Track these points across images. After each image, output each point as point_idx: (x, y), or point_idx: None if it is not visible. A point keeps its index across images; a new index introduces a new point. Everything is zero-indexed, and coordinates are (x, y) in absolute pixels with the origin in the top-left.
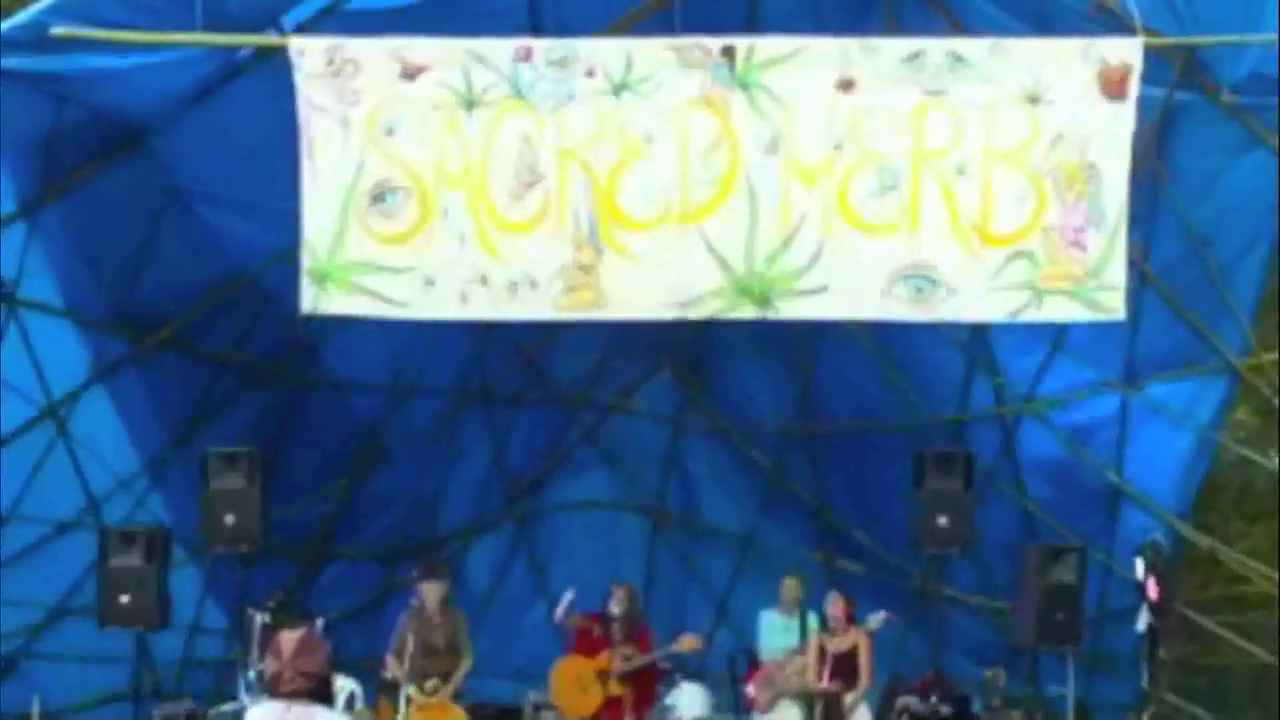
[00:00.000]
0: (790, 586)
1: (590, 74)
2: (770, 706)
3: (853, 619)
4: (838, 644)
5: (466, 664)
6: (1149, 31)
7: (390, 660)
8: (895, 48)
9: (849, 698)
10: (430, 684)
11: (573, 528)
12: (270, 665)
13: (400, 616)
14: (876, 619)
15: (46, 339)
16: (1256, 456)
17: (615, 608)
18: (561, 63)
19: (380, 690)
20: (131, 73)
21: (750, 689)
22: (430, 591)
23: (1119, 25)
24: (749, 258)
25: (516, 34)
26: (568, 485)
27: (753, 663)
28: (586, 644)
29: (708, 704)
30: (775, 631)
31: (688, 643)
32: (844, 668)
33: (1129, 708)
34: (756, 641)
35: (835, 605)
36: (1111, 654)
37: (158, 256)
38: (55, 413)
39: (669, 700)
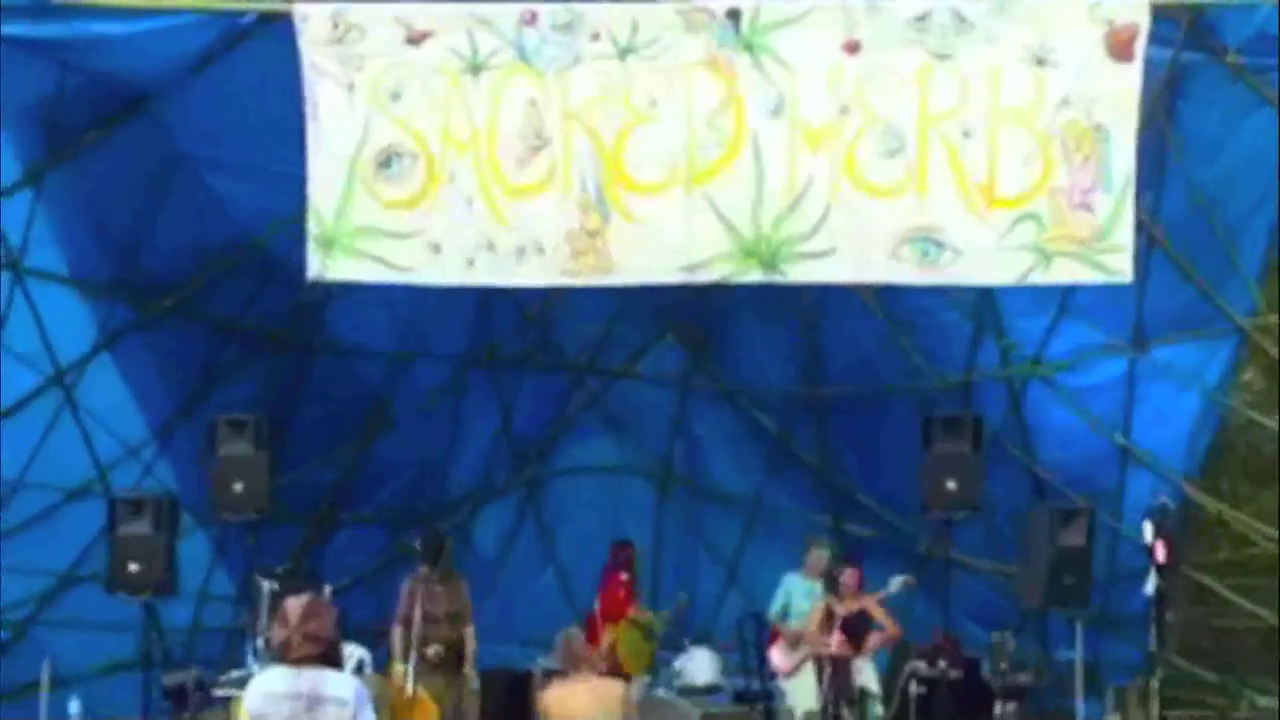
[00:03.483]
0: (820, 558)
1: (595, 38)
2: (796, 671)
3: (861, 588)
4: (845, 607)
5: (470, 638)
6: None
7: (395, 630)
8: (901, 10)
9: (857, 661)
10: (432, 650)
11: (580, 493)
12: (277, 633)
13: (403, 584)
14: (896, 582)
15: (52, 307)
16: (1264, 419)
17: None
18: (566, 27)
19: (389, 657)
20: (135, 38)
21: (775, 655)
22: (429, 571)
23: None
24: (755, 221)
25: None
26: (574, 450)
27: (766, 627)
28: (614, 606)
29: (717, 668)
30: (798, 594)
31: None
32: (852, 630)
33: (1137, 670)
34: (775, 601)
35: (850, 576)
36: (1120, 617)
37: (163, 223)
38: (62, 380)
39: (677, 665)
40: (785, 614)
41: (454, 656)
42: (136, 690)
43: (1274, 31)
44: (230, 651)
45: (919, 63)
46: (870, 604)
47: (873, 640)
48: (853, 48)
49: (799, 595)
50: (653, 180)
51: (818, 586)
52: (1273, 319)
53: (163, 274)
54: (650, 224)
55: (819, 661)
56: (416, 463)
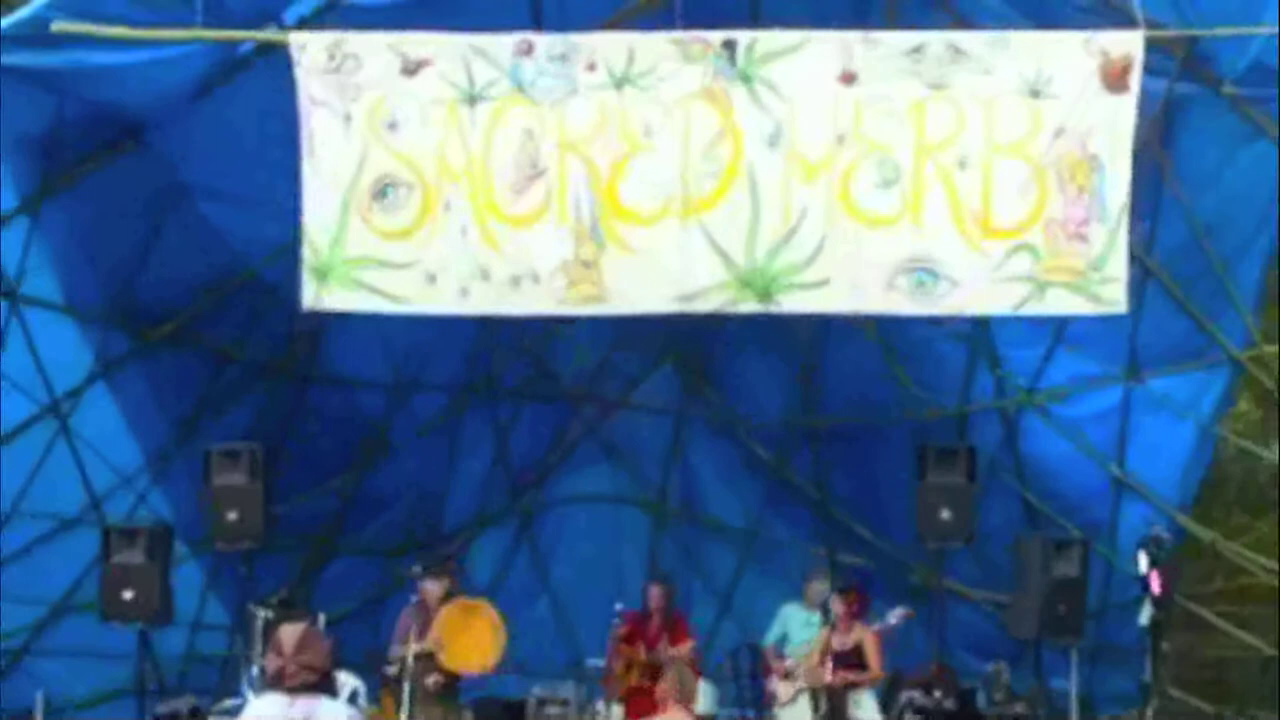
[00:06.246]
0: (819, 590)
1: (591, 68)
2: (791, 700)
3: (858, 616)
4: (842, 640)
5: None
6: (1150, 23)
7: (395, 649)
8: (896, 41)
9: (854, 693)
10: (431, 680)
11: (576, 522)
12: (272, 661)
13: (402, 611)
14: (897, 614)
15: (48, 335)
16: (1259, 449)
17: (650, 603)
18: (563, 57)
19: (383, 686)
20: (132, 68)
21: (773, 683)
22: (432, 590)
23: (1120, 18)
24: (751, 251)
25: (518, 28)
26: (571, 480)
27: (762, 656)
28: (629, 637)
29: (712, 699)
30: (795, 625)
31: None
32: (849, 663)
33: (1132, 701)
34: (771, 631)
35: (838, 604)
36: (1114, 647)
37: (159, 252)
38: (58, 409)
39: None
40: (782, 644)
41: (454, 687)
42: (131, 719)
43: (1269, 62)
44: (224, 680)
45: (915, 94)
46: (867, 639)
47: (826, 676)
48: (849, 79)
49: (796, 625)
50: (648, 210)
51: (816, 617)
52: (1268, 349)
53: (159, 303)
54: (645, 254)
55: (814, 694)
56: (413, 492)
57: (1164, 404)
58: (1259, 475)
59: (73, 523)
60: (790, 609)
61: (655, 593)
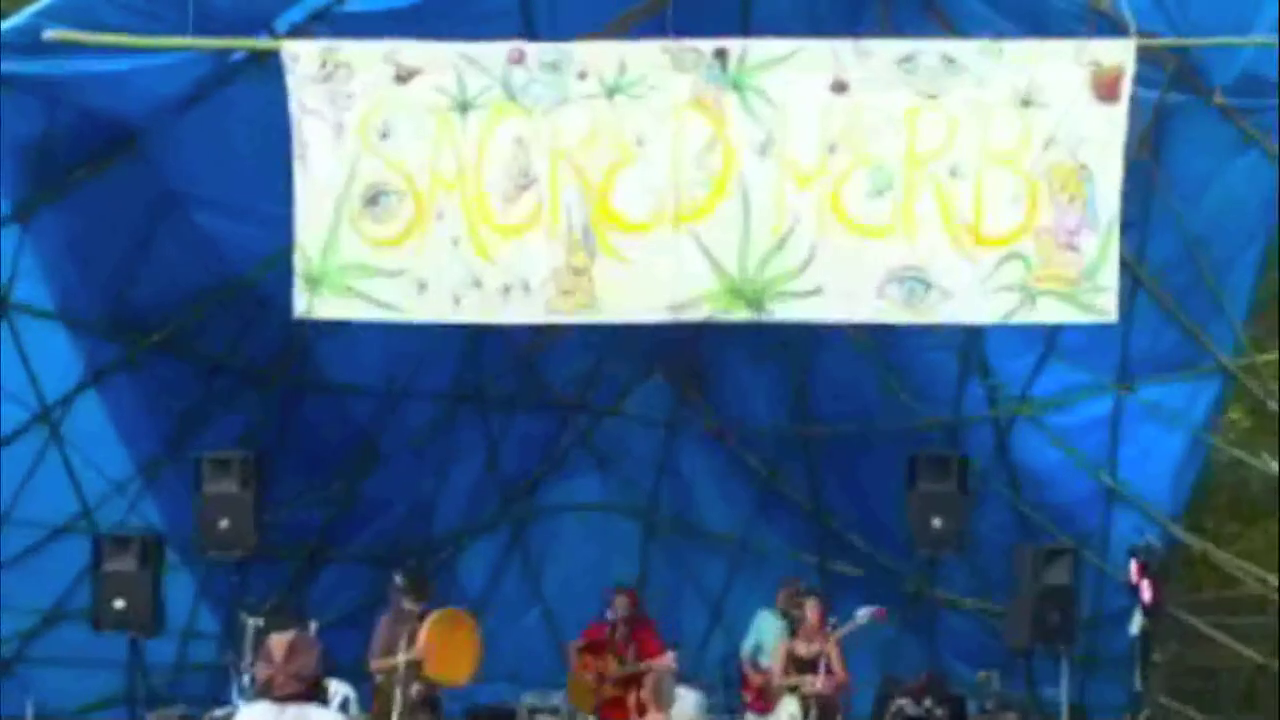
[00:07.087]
0: (788, 596)
1: (583, 77)
2: (771, 707)
3: (823, 623)
4: (806, 649)
5: None
6: (1142, 33)
7: (378, 664)
8: (888, 50)
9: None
10: (416, 689)
11: (567, 531)
12: (262, 670)
13: (381, 622)
14: (864, 613)
15: (40, 343)
16: (1250, 459)
17: (616, 612)
18: (554, 65)
19: (374, 694)
20: (125, 76)
21: (749, 693)
22: (414, 605)
23: (1111, 27)
24: (742, 260)
25: (509, 37)
26: (562, 488)
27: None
28: (593, 648)
29: (701, 707)
30: (769, 633)
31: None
32: (815, 668)
33: (1123, 710)
34: (747, 639)
35: (812, 610)
36: (1105, 656)
37: (151, 259)
38: (49, 417)
39: None
40: (757, 652)
41: (437, 697)
42: None
43: (1259, 72)
44: (215, 689)
45: (907, 103)
46: (830, 645)
47: (817, 684)
48: (840, 87)
49: (770, 633)
50: (640, 219)
51: (786, 623)
52: (1262, 359)
53: (151, 310)
54: (637, 262)
55: (805, 701)
56: (404, 501)
57: (1155, 413)
58: (1251, 484)
59: (64, 531)
60: (764, 616)
61: (621, 601)
